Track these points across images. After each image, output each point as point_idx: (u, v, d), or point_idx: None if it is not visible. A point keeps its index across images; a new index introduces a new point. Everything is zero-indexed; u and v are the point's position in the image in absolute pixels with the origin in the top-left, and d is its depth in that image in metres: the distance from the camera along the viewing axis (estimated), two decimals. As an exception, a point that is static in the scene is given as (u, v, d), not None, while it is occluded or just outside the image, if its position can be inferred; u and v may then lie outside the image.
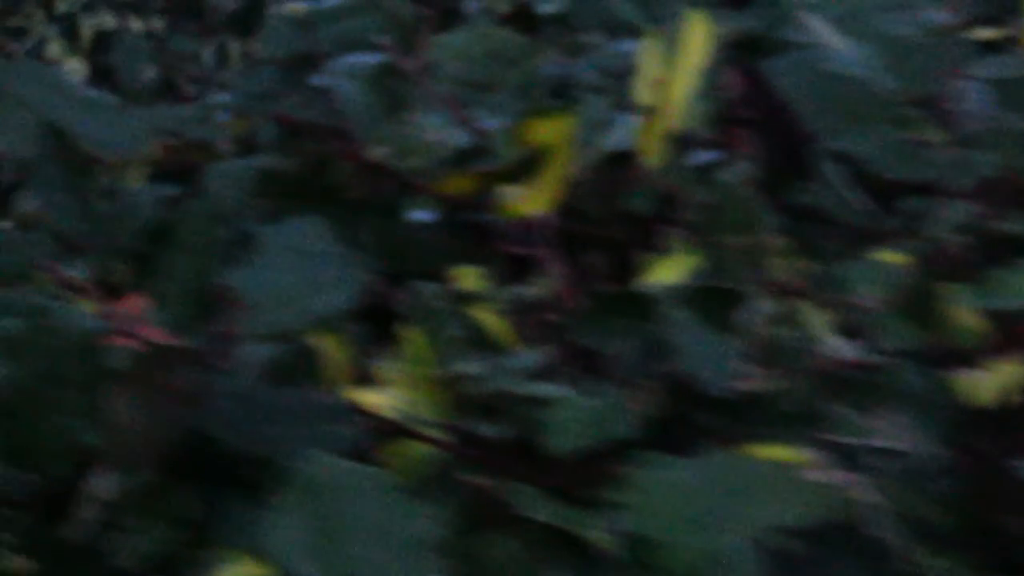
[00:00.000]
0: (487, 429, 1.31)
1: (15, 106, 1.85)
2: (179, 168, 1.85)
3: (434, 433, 1.29)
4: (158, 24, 4.13)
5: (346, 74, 1.88)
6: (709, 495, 1.23)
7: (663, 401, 1.39)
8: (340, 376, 1.36)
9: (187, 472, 1.29)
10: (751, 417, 1.37)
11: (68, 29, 4.02)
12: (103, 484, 1.30)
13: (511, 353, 1.41)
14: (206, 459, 1.29)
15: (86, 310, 1.34)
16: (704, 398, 1.38)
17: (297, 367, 1.34)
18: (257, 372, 1.31)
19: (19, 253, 1.71)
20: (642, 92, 1.79)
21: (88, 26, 4.04)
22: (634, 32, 2.24)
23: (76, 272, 1.65)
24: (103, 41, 4.02)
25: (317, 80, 1.93)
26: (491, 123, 1.88)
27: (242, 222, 1.52)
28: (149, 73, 2.50)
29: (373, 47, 2.06)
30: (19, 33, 4.13)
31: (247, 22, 4.18)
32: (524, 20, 2.43)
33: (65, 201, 1.73)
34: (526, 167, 1.71)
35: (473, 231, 1.69)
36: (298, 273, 1.32)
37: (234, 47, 3.97)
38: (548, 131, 1.71)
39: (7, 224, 1.89)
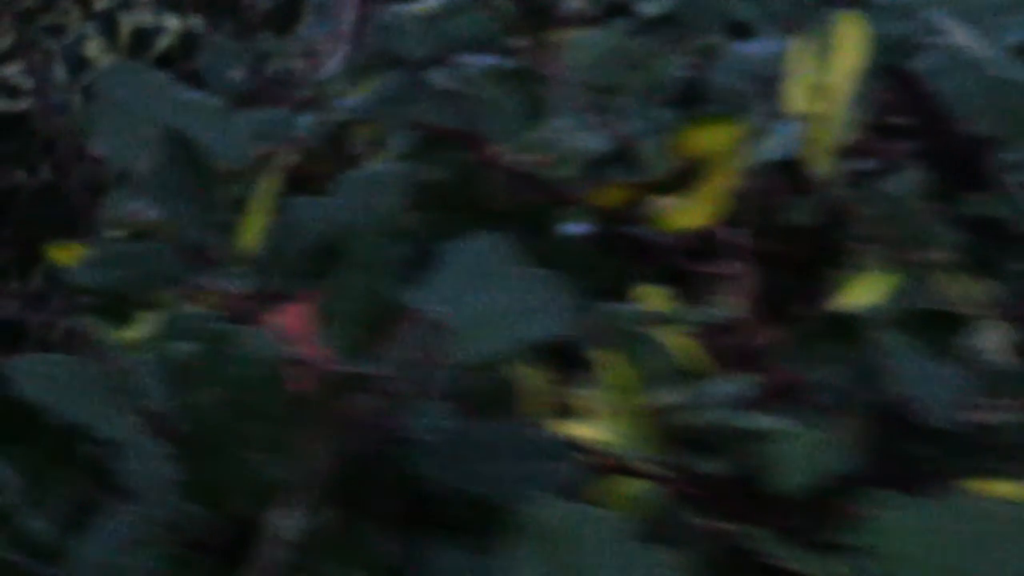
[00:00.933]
0: (706, 465, 1.20)
1: (118, 111, 1.75)
2: (304, 176, 1.74)
3: (653, 469, 1.19)
4: (196, 22, 4.04)
5: (478, 77, 1.77)
6: (959, 540, 1.13)
7: (876, 432, 1.29)
8: (540, 407, 1.26)
9: (381, 511, 1.19)
10: (977, 451, 1.27)
11: (106, 26, 3.93)
12: (287, 523, 1.20)
13: (709, 380, 1.31)
14: (403, 497, 1.19)
15: (266, 334, 1.23)
16: (924, 430, 1.28)
17: (495, 397, 1.23)
18: (455, 403, 1.20)
19: (148, 266, 1.61)
20: (797, 98, 1.69)
21: (126, 23, 3.94)
22: (747, 32, 2.14)
23: (214, 286, 1.55)
24: (141, 39, 3.93)
25: (441, 81, 1.82)
26: (626, 128, 1.78)
27: (404, 237, 1.42)
28: (237, 75, 2.41)
29: (494, 48, 1.96)
30: (56, 31, 4.04)
31: (285, 19, 4.09)
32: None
33: (191, 211, 1.63)
34: (684, 177, 1.61)
35: (631, 245, 1.59)
36: (500, 296, 1.22)
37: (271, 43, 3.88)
38: (710, 140, 1.61)
39: (119, 233, 1.78)
